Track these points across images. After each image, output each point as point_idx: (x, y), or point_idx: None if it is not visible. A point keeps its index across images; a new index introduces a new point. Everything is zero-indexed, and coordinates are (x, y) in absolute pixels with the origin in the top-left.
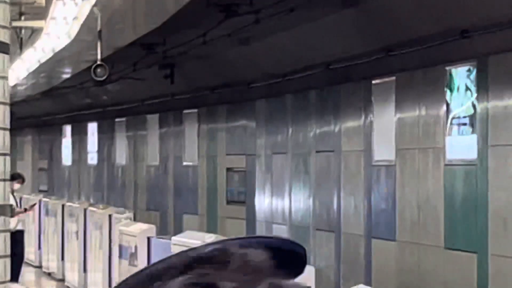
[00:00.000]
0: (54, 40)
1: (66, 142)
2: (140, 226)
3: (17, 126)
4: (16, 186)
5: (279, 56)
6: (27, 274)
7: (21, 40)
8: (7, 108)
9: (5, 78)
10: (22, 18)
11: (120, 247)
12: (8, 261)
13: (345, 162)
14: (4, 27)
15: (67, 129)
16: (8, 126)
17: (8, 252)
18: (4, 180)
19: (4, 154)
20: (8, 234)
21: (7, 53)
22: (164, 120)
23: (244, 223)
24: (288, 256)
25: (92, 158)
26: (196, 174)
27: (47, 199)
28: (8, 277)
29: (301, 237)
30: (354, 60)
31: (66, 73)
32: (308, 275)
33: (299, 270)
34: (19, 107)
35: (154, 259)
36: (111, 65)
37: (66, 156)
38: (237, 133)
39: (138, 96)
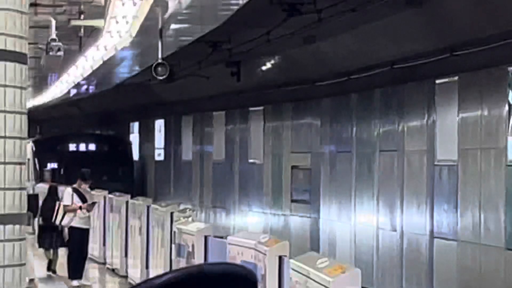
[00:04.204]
0: (115, 39)
1: (134, 138)
2: (197, 225)
3: (85, 123)
4: (84, 186)
5: (344, 55)
6: (91, 270)
7: (80, 39)
8: (24, 117)
9: (22, 88)
10: (81, 17)
11: (178, 245)
12: (24, 269)
13: (408, 162)
14: (21, 37)
15: (135, 125)
16: (26, 135)
17: (24, 260)
18: (21, 188)
19: (20, 163)
20: (24, 243)
21: (25, 63)
22: (230, 117)
23: (308, 221)
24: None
25: (159, 154)
26: (261, 172)
27: (111, 196)
28: (24, 286)
29: (364, 235)
30: (418, 59)
31: (131, 71)
32: (354, 277)
33: None
34: (86, 103)
35: (210, 258)
36: (177, 63)
37: (133, 152)
38: (302, 131)
39: (205, 93)
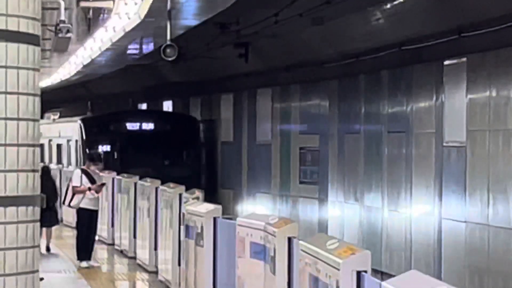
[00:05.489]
0: (124, 20)
1: None
2: (206, 206)
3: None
4: (93, 167)
5: (352, 36)
6: (100, 251)
7: (89, 21)
8: (37, 99)
9: (35, 70)
10: None
11: (187, 227)
12: (37, 251)
13: (416, 143)
14: (34, 19)
15: (143, 107)
16: (38, 117)
17: (38, 242)
18: (34, 170)
19: (33, 145)
20: (37, 225)
21: (37, 45)
22: (238, 98)
23: (316, 203)
24: None
25: None
26: (269, 153)
27: (120, 177)
28: (37, 267)
29: (372, 217)
30: (426, 41)
31: (139, 52)
32: (363, 259)
33: None
34: (95, 85)
35: (219, 240)
36: (185, 44)
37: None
38: (311, 113)
39: (213, 75)
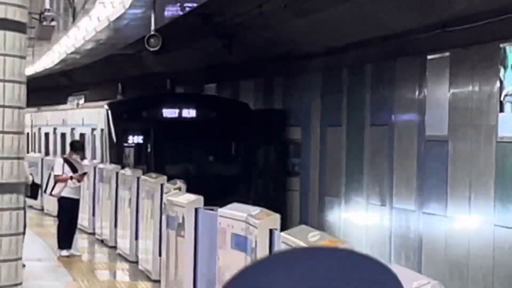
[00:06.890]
0: (109, 9)
1: None
2: (188, 197)
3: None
4: (75, 156)
5: (336, 29)
6: (81, 240)
7: (74, 10)
8: (23, 86)
9: (22, 57)
10: None
11: (168, 217)
12: (21, 238)
13: (398, 137)
14: (21, 6)
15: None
16: (24, 105)
17: (21, 229)
18: (18, 158)
19: (18, 133)
20: (21, 212)
21: (24, 32)
22: (222, 90)
23: (298, 195)
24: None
25: None
26: None
27: (102, 166)
28: (21, 255)
29: (353, 210)
30: (410, 35)
31: (122, 42)
32: None
33: None
34: (78, 74)
35: (201, 231)
36: (168, 34)
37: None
38: (293, 105)
39: (196, 65)
